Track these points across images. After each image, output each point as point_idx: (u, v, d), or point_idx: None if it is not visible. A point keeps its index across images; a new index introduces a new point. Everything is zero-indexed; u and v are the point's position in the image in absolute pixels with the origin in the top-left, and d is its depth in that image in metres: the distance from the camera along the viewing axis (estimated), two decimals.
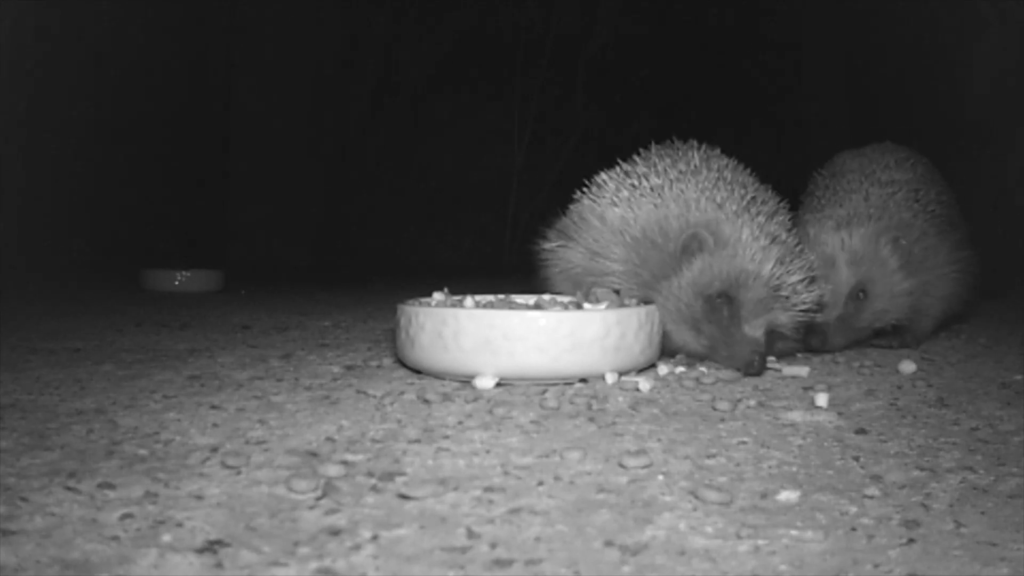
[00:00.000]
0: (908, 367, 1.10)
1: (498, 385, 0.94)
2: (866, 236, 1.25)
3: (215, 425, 0.77)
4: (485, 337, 0.93)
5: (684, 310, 1.07)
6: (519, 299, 1.16)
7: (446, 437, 0.73)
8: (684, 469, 0.64)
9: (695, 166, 1.16)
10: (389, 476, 0.61)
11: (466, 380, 0.96)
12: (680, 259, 1.07)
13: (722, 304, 1.05)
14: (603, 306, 1.02)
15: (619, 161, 1.22)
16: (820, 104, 3.83)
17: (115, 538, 0.49)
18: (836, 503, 0.57)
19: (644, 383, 0.94)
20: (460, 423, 0.78)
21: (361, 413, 0.83)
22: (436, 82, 4.42)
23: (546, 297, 1.14)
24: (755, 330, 1.05)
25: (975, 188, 2.67)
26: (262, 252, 3.95)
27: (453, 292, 1.14)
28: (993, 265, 1.69)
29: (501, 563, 0.46)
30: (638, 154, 1.22)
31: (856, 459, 0.68)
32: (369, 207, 4.41)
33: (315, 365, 1.12)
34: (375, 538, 0.49)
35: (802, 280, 1.07)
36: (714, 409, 0.85)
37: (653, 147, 1.23)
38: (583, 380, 0.97)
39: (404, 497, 0.57)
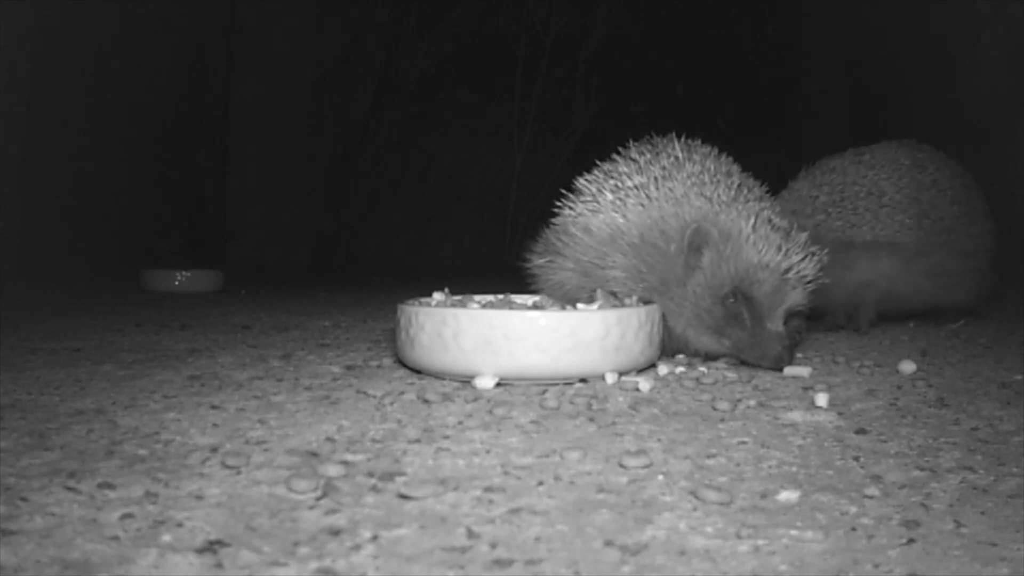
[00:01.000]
0: (908, 367, 1.10)
1: (498, 385, 0.94)
2: None
3: (215, 425, 0.77)
4: (485, 337, 0.93)
5: (704, 316, 1.06)
6: (518, 299, 1.16)
7: (446, 437, 0.73)
8: (684, 469, 0.64)
9: (678, 159, 1.14)
10: (389, 476, 0.61)
11: (466, 380, 0.96)
12: (688, 257, 1.05)
13: (739, 304, 1.05)
14: (595, 306, 1.02)
15: (597, 163, 1.19)
16: (820, 103, 3.83)
17: (115, 538, 0.49)
18: (836, 503, 0.57)
19: (644, 383, 0.94)
20: (460, 423, 0.78)
21: (361, 413, 0.83)
22: (436, 82, 4.42)
23: (530, 298, 1.14)
24: (776, 323, 1.06)
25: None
26: (262, 252, 3.95)
27: (453, 292, 1.14)
28: (993, 265, 1.69)
29: (501, 563, 0.46)
30: (618, 153, 1.20)
31: (856, 459, 0.68)
32: (369, 207, 4.41)
33: (315, 365, 1.12)
34: (375, 538, 0.49)
35: (803, 257, 1.08)
36: (714, 409, 0.85)
37: (631, 145, 1.21)
38: (583, 380, 0.97)
39: (404, 497, 0.57)
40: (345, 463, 0.64)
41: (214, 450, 0.68)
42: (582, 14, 4.39)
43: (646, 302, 1.06)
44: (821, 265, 1.10)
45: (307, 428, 0.76)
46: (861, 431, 0.77)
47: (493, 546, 0.48)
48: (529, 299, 1.15)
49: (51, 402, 0.87)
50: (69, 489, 0.58)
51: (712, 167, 1.13)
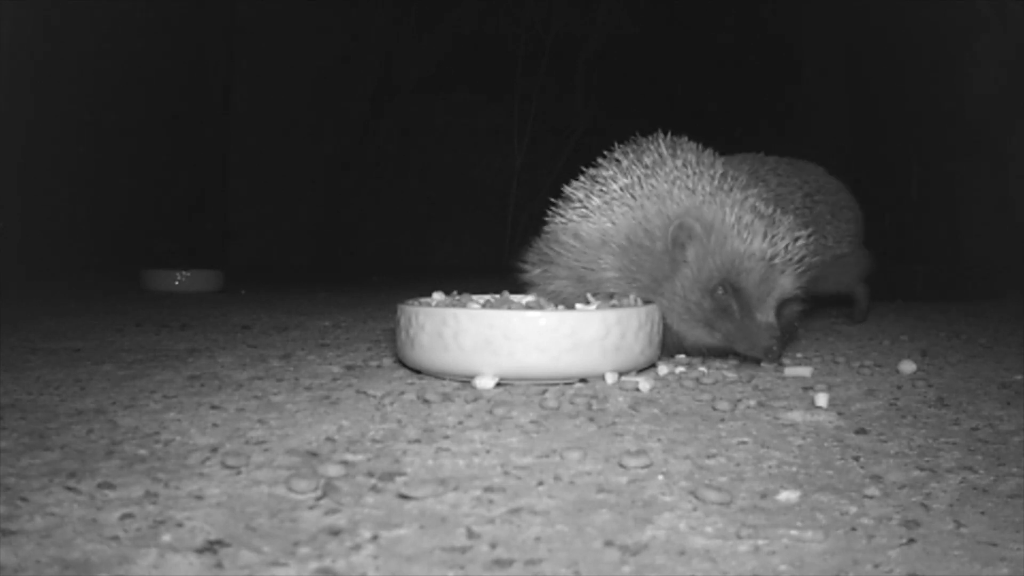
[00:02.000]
0: (908, 367, 1.10)
1: (498, 385, 0.94)
2: None
3: (215, 425, 0.77)
4: (485, 337, 0.93)
5: (694, 309, 1.06)
6: (516, 298, 1.16)
7: (446, 437, 0.73)
8: (684, 469, 0.64)
9: (660, 156, 1.13)
10: (389, 476, 0.61)
11: (466, 380, 0.96)
12: (674, 254, 1.05)
13: (728, 297, 1.04)
14: (593, 306, 1.02)
15: (583, 169, 1.19)
16: (820, 102, 3.83)
17: (115, 538, 0.49)
18: (836, 503, 0.57)
19: (644, 383, 0.94)
20: (460, 423, 0.78)
21: (361, 413, 0.83)
22: (436, 82, 4.42)
23: (531, 298, 1.14)
24: (766, 314, 1.04)
25: (974, 187, 2.67)
26: (262, 252, 3.95)
27: (448, 294, 1.14)
28: (994, 265, 1.70)
29: (501, 563, 0.46)
30: (603, 156, 1.20)
31: (856, 459, 0.68)
32: (369, 207, 4.41)
33: (315, 365, 1.12)
34: (375, 538, 0.49)
35: (791, 242, 1.06)
36: (714, 409, 0.85)
37: (617, 147, 1.21)
38: (583, 380, 0.97)
39: (404, 497, 0.57)
40: (345, 463, 0.64)
41: (214, 450, 0.68)
42: (582, 14, 4.39)
43: (646, 302, 1.06)
44: (810, 249, 1.08)
45: (307, 428, 0.76)
46: (861, 431, 0.77)
47: (493, 546, 0.48)
48: (524, 298, 1.16)
49: (51, 402, 0.87)
50: (69, 489, 0.58)
51: (694, 160, 1.12)
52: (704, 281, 1.05)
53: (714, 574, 0.45)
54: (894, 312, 1.98)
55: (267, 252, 3.99)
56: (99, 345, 1.29)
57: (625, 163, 1.14)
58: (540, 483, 0.60)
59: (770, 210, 1.08)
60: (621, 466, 0.65)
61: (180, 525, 0.51)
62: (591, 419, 0.80)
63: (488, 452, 0.68)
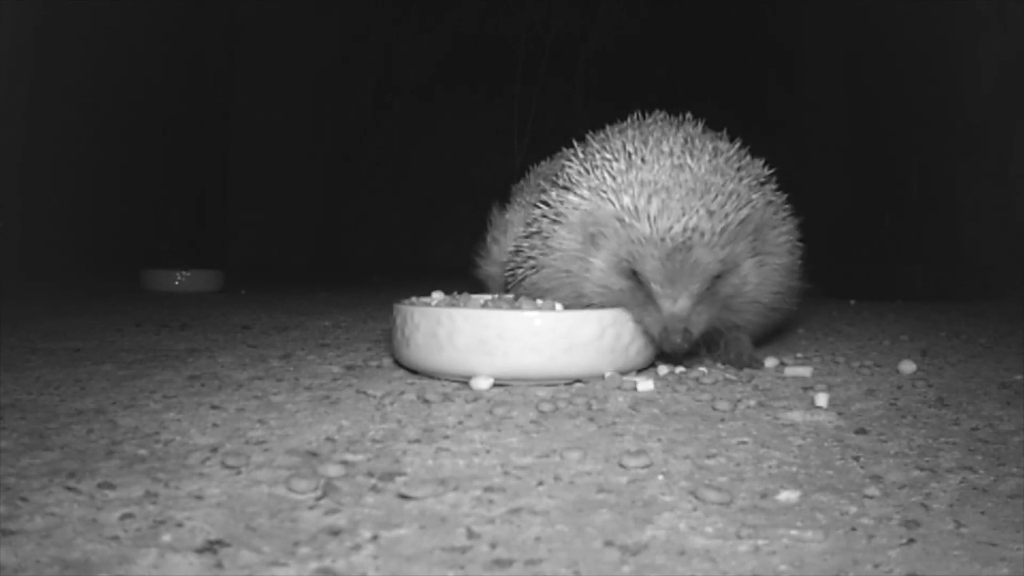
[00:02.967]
0: (908, 367, 1.10)
1: (498, 385, 0.94)
2: None
3: (215, 425, 0.77)
4: (480, 337, 0.92)
5: (609, 298, 1.00)
6: (511, 297, 1.16)
7: (446, 437, 0.73)
8: (684, 469, 0.64)
9: (576, 158, 1.11)
10: (389, 476, 0.61)
11: (462, 381, 0.96)
12: (589, 249, 1.01)
13: (635, 285, 0.97)
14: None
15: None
16: (820, 102, 3.83)
17: (115, 538, 0.49)
18: (836, 503, 0.57)
19: (644, 383, 0.94)
20: (460, 423, 0.78)
21: (361, 413, 0.83)
22: (436, 82, 4.42)
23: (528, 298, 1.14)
24: (675, 302, 0.94)
25: (974, 187, 2.67)
26: (262, 252, 3.95)
27: (447, 293, 1.14)
28: (994, 265, 1.69)
29: (501, 563, 0.46)
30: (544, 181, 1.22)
31: (856, 459, 0.68)
32: (368, 207, 4.41)
33: (315, 365, 1.12)
34: (375, 538, 0.49)
35: (702, 217, 0.94)
36: (714, 409, 0.85)
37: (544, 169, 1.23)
38: (579, 380, 0.97)
39: (404, 497, 0.57)
40: (345, 463, 0.64)
41: (214, 450, 0.68)
42: (582, 14, 4.39)
43: None
44: (737, 220, 0.96)
45: (307, 428, 0.76)
46: (861, 431, 0.77)
47: (493, 546, 0.48)
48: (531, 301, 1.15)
49: (51, 402, 0.87)
50: (69, 489, 0.58)
51: (598, 153, 1.07)
52: (618, 273, 0.99)
53: (714, 574, 0.45)
54: (894, 312, 1.98)
55: (267, 252, 3.99)
56: (99, 345, 1.29)
57: (552, 180, 1.14)
58: (540, 483, 0.60)
59: (682, 188, 0.96)
60: (621, 466, 0.65)
61: (180, 525, 0.51)
62: (591, 419, 0.80)
63: (488, 452, 0.68)
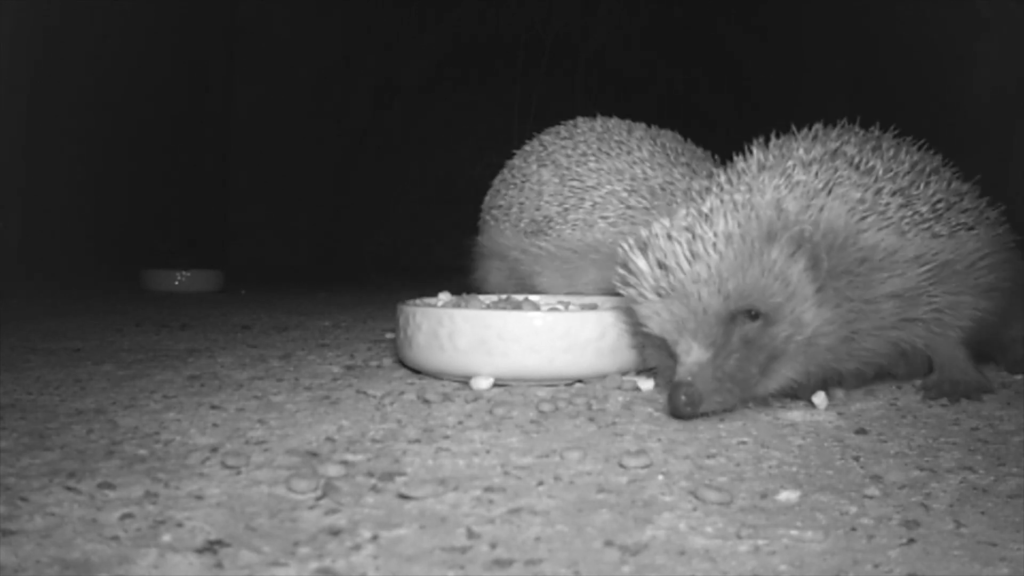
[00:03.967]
0: None
1: (497, 385, 0.94)
2: None
3: (215, 425, 0.77)
4: (480, 337, 0.93)
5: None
6: (517, 298, 1.16)
7: (446, 437, 0.73)
8: (684, 469, 0.64)
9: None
10: (389, 476, 0.61)
11: (462, 380, 0.96)
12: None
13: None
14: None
15: None
16: (820, 102, 3.83)
17: (115, 538, 0.49)
18: (836, 503, 0.57)
19: (644, 383, 0.94)
20: (460, 423, 0.78)
21: (361, 413, 0.83)
22: (436, 82, 4.42)
23: (534, 298, 1.14)
24: (683, 354, 0.79)
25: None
26: (262, 252, 3.95)
27: (454, 293, 1.14)
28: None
29: (501, 563, 0.46)
30: None
31: (856, 459, 0.68)
32: (369, 207, 4.41)
33: (315, 365, 1.12)
34: (375, 538, 0.49)
35: (682, 237, 0.77)
36: None
37: None
38: (580, 380, 0.97)
39: (404, 497, 0.57)
40: (345, 463, 0.64)
41: (214, 450, 0.68)
42: (582, 14, 4.38)
43: None
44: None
45: (307, 428, 0.76)
46: (861, 431, 0.77)
47: (493, 546, 0.48)
48: (542, 300, 1.16)
49: (51, 402, 0.87)
50: (69, 489, 0.58)
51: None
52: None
53: (714, 574, 0.45)
54: None
55: (267, 252, 3.99)
56: (99, 345, 1.29)
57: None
58: (540, 483, 0.60)
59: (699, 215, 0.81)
60: (621, 466, 0.65)
61: (180, 525, 0.51)
62: (591, 419, 0.80)
63: (488, 452, 0.68)
